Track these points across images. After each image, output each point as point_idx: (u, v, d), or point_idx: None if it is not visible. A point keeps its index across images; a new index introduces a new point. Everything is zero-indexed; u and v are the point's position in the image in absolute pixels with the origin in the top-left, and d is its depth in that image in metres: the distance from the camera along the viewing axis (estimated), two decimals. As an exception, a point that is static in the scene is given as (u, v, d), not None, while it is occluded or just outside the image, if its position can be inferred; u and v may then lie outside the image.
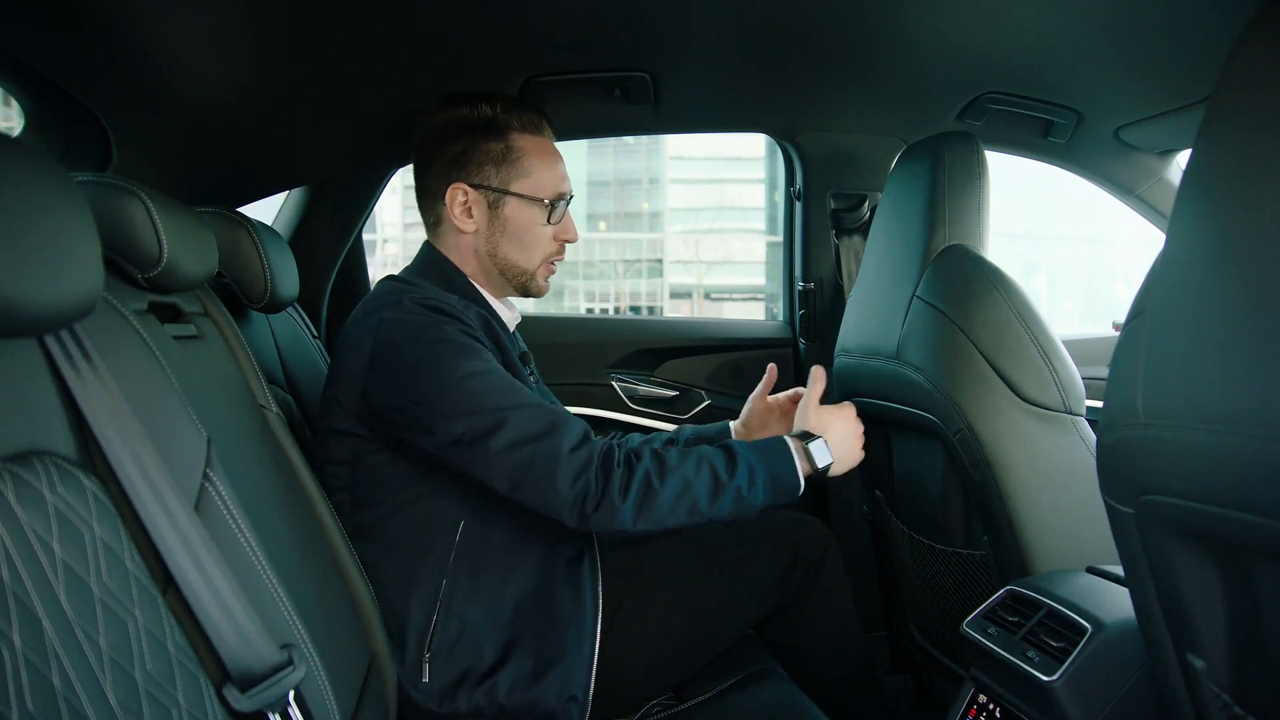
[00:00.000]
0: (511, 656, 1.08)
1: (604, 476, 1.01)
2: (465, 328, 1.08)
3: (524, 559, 1.12)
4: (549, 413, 1.04)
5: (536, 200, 1.20)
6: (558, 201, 1.21)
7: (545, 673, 1.08)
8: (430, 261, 1.23)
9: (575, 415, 1.07)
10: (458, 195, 1.20)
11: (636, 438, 1.44)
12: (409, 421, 1.04)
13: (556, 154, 1.24)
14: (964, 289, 1.23)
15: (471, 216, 1.21)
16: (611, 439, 1.11)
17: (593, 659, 1.11)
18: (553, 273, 1.26)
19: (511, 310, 1.29)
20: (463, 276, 1.22)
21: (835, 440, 1.15)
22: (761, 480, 1.07)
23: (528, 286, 1.24)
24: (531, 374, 1.27)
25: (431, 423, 1.02)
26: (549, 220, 1.21)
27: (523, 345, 1.31)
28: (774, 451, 1.10)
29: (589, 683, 1.10)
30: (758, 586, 1.25)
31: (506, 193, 1.19)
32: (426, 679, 1.06)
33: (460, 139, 1.19)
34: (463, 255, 1.23)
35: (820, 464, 1.12)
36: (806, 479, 1.11)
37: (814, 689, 1.22)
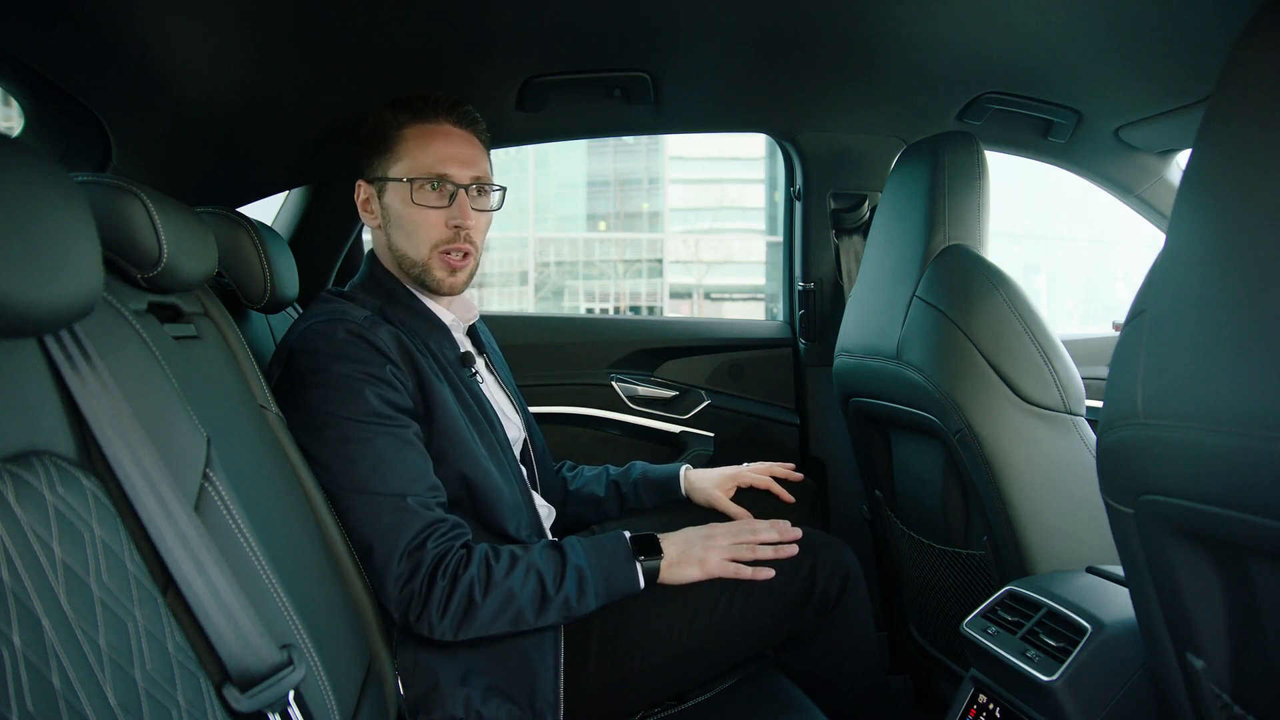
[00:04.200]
0: (478, 667, 1.09)
1: (426, 590, 1.02)
2: (362, 365, 1.08)
3: None
4: (393, 509, 1.04)
5: (400, 180, 1.18)
6: (427, 181, 1.17)
7: (514, 681, 1.09)
8: (367, 270, 1.25)
9: (419, 513, 1.05)
10: (359, 192, 1.24)
11: (611, 468, 1.47)
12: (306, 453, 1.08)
13: (443, 137, 1.19)
14: (964, 289, 1.23)
15: (371, 211, 1.23)
16: (452, 538, 1.06)
17: (558, 662, 1.11)
18: (455, 266, 1.20)
19: (465, 308, 1.28)
20: (394, 280, 1.22)
21: (670, 552, 1.14)
22: (594, 588, 1.08)
23: (424, 279, 1.20)
24: (475, 373, 1.25)
25: (307, 449, 1.07)
26: (414, 200, 1.17)
27: (466, 344, 1.28)
28: (612, 557, 1.10)
29: (557, 686, 1.10)
30: (767, 612, 1.21)
31: (385, 179, 1.20)
32: (401, 692, 1.08)
33: (364, 141, 1.23)
34: (383, 254, 1.24)
35: (651, 576, 1.12)
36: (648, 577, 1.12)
37: (822, 701, 1.20)
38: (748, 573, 1.15)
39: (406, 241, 1.19)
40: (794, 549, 1.18)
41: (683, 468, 1.43)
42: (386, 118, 1.20)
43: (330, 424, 1.06)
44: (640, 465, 1.47)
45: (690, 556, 1.14)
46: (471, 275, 1.24)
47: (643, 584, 1.11)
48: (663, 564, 1.12)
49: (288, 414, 1.09)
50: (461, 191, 1.18)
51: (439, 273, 1.20)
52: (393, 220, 1.20)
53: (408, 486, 1.05)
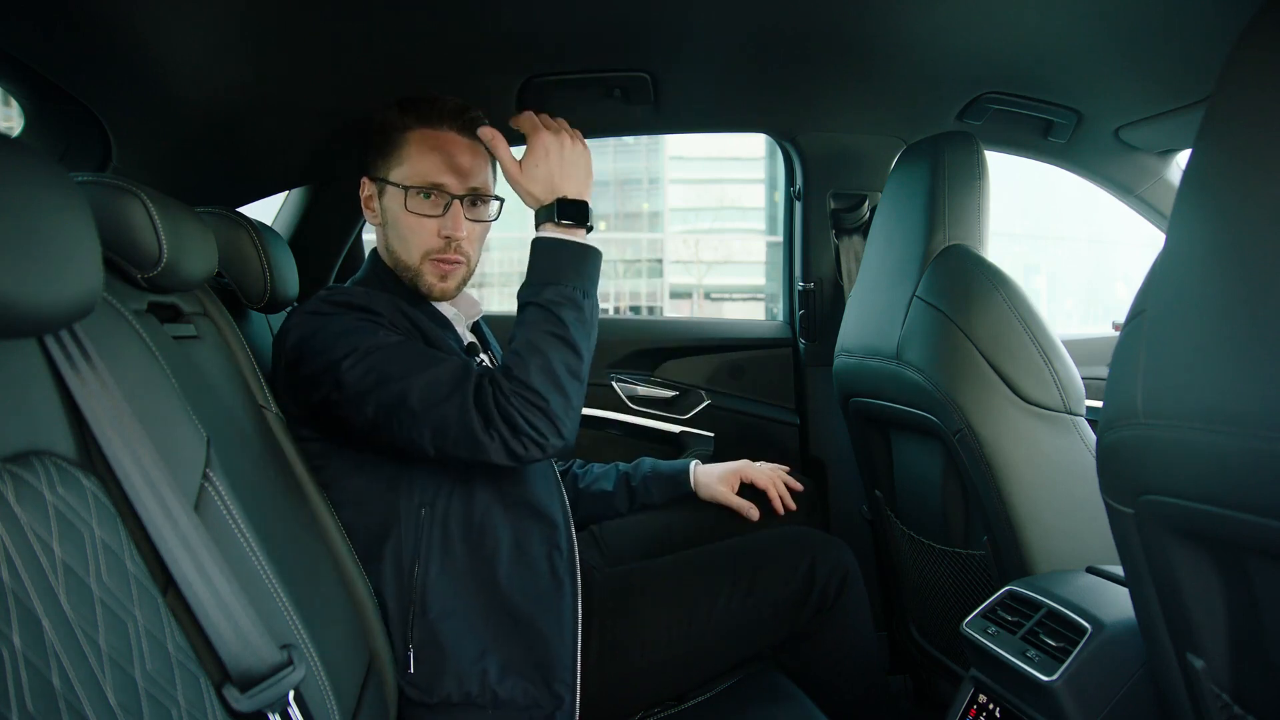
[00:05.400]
0: (495, 643, 1.08)
1: (504, 421, 1.00)
2: (367, 316, 1.08)
3: (491, 542, 1.11)
4: (447, 370, 1.03)
5: (398, 186, 1.18)
6: (421, 189, 1.17)
7: (531, 659, 1.08)
8: (370, 266, 1.26)
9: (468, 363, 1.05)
10: (364, 188, 1.24)
11: (621, 465, 1.48)
12: (331, 413, 1.06)
13: (444, 145, 1.18)
14: (964, 289, 1.23)
15: (373, 209, 1.24)
16: (480, 371, 1.04)
17: (576, 642, 1.10)
18: (445, 272, 1.19)
19: (469, 305, 1.29)
20: (396, 278, 1.22)
21: (561, 179, 1.09)
22: (578, 288, 1.06)
23: (416, 284, 1.20)
24: (480, 363, 1.23)
25: (346, 409, 1.05)
26: (408, 207, 1.17)
27: (470, 337, 1.28)
28: (555, 259, 1.08)
29: (575, 666, 1.09)
30: (766, 611, 1.22)
31: (386, 181, 1.20)
32: (413, 669, 1.06)
33: (370, 138, 1.23)
34: (383, 252, 1.24)
35: (575, 219, 1.09)
36: (586, 225, 1.10)
37: (821, 701, 1.20)
38: (558, 132, 1.12)
39: (400, 245, 1.20)
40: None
41: (692, 463, 1.45)
42: (393, 118, 1.20)
43: (347, 358, 1.04)
44: (650, 461, 1.47)
45: (568, 169, 1.10)
46: (464, 281, 1.24)
47: (590, 241, 1.10)
48: (590, 212, 1.11)
49: (297, 387, 1.08)
50: (456, 202, 1.18)
51: (429, 278, 1.20)
52: (389, 223, 1.21)
53: (446, 357, 1.06)
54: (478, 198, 1.21)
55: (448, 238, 1.18)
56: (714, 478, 1.42)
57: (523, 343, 1.04)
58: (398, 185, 1.18)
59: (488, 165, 1.24)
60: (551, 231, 1.09)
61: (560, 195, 1.09)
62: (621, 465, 1.48)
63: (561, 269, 1.07)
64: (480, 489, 1.12)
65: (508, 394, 1.01)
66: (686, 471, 1.43)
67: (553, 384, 1.02)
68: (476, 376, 1.03)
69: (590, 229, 1.11)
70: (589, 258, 1.09)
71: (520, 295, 1.09)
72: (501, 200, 1.26)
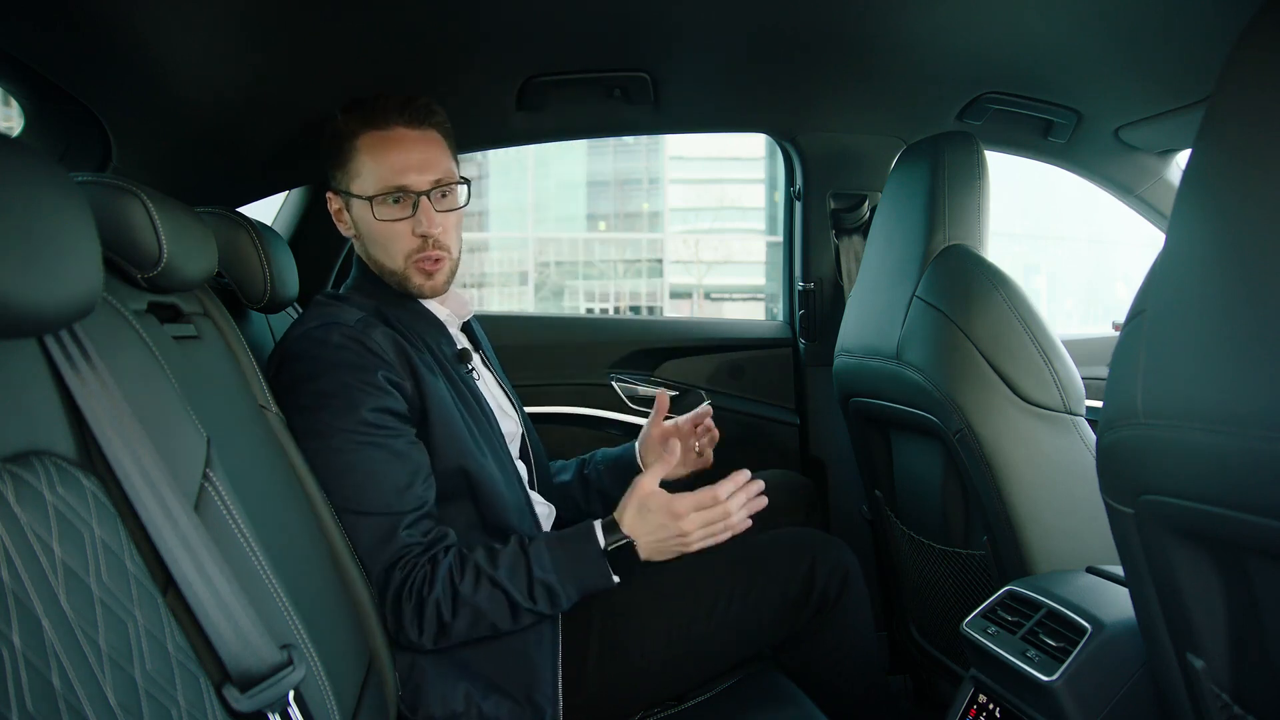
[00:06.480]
0: (477, 662, 1.09)
1: (396, 610, 1.05)
2: (355, 373, 1.07)
3: None
4: (371, 531, 1.05)
5: (361, 198, 1.16)
6: (387, 196, 1.15)
7: (513, 675, 1.09)
8: (359, 272, 1.24)
9: (407, 528, 1.06)
10: (331, 203, 1.23)
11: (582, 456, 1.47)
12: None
13: (396, 144, 1.15)
14: (964, 289, 1.23)
15: (344, 222, 1.23)
16: (417, 558, 1.06)
17: (556, 655, 1.11)
18: (431, 270, 1.18)
19: (459, 304, 1.28)
20: (379, 280, 1.21)
21: (645, 545, 1.09)
22: (565, 594, 1.07)
23: (405, 287, 1.19)
24: (471, 369, 1.24)
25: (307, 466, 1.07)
26: (377, 216, 1.15)
27: (465, 342, 1.28)
28: (583, 557, 1.08)
29: (555, 679, 1.10)
30: (766, 612, 1.21)
31: (349, 195, 1.19)
32: (400, 691, 1.08)
33: (323, 150, 1.21)
34: (366, 259, 1.23)
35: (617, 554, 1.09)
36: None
37: (821, 701, 1.20)
38: (725, 538, 1.12)
39: (381, 254, 1.19)
40: (762, 500, 1.13)
41: (635, 444, 1.44)
42: (340, 126, 1.18)
43: (319, 434, 1.06)
44: (603, 450, 1.47)
45: (664, 549, 1.11)
46: (451, 274, 1.23)
47: (616, 580, 1.09)
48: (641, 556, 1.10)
49: (279, 398, 1.09)
50: (423, 199, 1.16)
51: (417, 279, 1.19)
52: (364, 234, 1.20)
53: (390, 503, 1.06)
54: (444, 188, 1.19)
55: (424, 236, 1.16)
56: (648, 441, 1.41)
57: (498, 574, 1.05)
58: (361, 197, 1.17)
59: (446, 152, 1.21)
60: (602, 539, 1.09)
61: (632, 540, 1.09)
62: (583, 457, 1.48)
63: (574, 568, 1.07)
64: (458, 514, 1.13)
65: (425, 594, 1.04)
66: (632, 449, 1.43)
67: (468, 624, 1.05)
68: (416, 558, 1.05)
69: (624, 569, 1.10)
70: (597, 583, 1.08)
71: (542, 538, 1.10)
72: (468, 181, 1.23)
